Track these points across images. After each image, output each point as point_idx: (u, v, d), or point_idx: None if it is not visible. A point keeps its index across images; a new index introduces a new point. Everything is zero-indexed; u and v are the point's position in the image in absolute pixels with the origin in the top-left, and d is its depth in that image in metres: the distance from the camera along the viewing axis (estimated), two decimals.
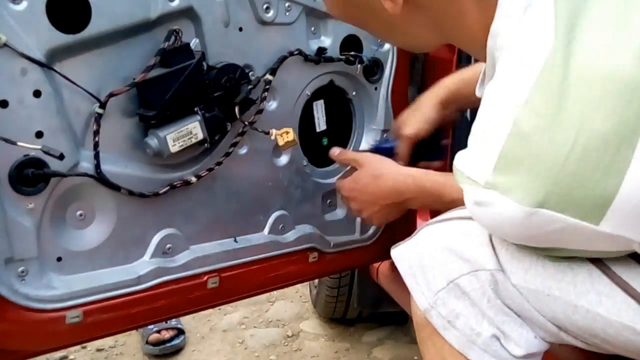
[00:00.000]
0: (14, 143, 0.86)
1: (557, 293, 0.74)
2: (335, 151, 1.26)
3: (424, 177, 1.12)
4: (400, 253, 0.90)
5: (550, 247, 0.71)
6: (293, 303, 2.41)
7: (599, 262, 0.73)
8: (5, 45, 0.85)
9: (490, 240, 0.80)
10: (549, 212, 0.62)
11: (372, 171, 1.16)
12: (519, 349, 0.79)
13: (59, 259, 0.99)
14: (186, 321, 2.20)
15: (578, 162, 0.60)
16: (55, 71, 0.92)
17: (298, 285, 2.45)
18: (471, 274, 0.79)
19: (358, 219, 1.40)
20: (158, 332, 2.04)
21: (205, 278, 1.14)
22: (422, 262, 0.85)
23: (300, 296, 2.44)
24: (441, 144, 1.35)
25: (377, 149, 1.28)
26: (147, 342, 2.04)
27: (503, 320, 0.79)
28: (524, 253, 0.77)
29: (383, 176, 1.15)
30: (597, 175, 0.60)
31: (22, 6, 0.86)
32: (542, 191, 0.61)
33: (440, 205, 1.07)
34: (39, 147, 0.88)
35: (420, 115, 1.26)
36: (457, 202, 0.81)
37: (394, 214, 1.21)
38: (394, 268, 1.62)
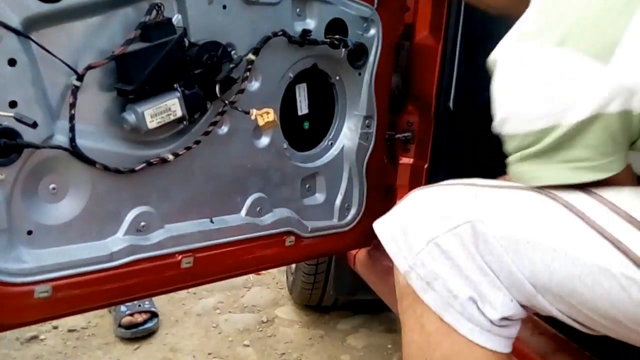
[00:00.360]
0: None
1: (536, 239, 0.75)
2: None
3: None
4: (382, 223, 0.90)
5: (552, 125, 0.75)
6: (269, 289, 2.41)
7: (576, 209, 0.75)
8: None
9: (474, 195, 0.81)
10: (566, 50, 0.72)
11: None
12: (495, 312, 0.79)
13: (30, 233, 0.96)
14: (160, 304, 2.19)
15: (597, 6, 0.72)
16: (32, 40, 0.89)
17: (274, 272, 2.45)
18: (451, 231, 0.80)
19: (337, 204, 1.40)
20: (131, 315, 2.03)
21: (179, 258, 1.13)
22: (404, 225, 0.85)
23: (277, 282, 2.44)
24: None
25: None
26: (119, 325, 2.02)
27: (480, 280, 0.79)
28: (505, 199, 0.79)
29: None
30: (610, 17, 0.70)
31: None
32: (565, 31, 0.73)
33: None
34: (12, 114, 0.86)
35: None
36: None
37: None
38: (371, 255, 1.63)
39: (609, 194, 0.76)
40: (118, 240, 1.06)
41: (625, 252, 0.70)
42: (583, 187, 0.77)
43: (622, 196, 0.75)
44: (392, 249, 0.86)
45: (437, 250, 0.80)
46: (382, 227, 0.90)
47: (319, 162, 1.36)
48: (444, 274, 0.80)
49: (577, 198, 0.76)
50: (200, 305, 2.27)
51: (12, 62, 0.88)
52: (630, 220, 0.72)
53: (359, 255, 1.66)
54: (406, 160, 1.55)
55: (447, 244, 0.80)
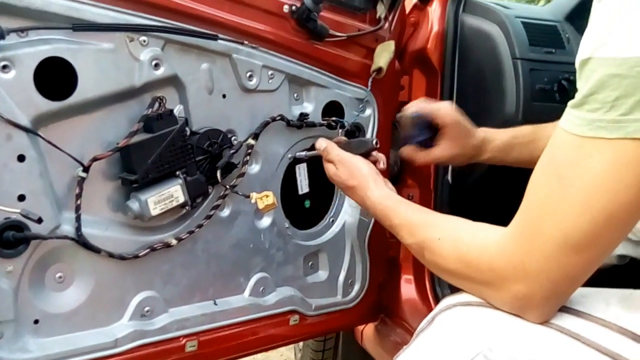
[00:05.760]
0: None
1: None
2: (321, 145, 1.23)
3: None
4: None
5: None
6: None
7: (569, 332, 0.76)
8: None
9: (484, 325, 0.82)
10: None
11: (345, 180, 1.17)
12: None
13: (36, 322, 0.98)
14: None
15: None
16: (40, 136, 0.93)
17: (283, 349, 2.42)
18: None
19: (340, 280, 1.41)
20: None
21: (183, 341, 1.14)
22: None
23: (285, 359, 2.41)
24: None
25: (416, 142, 1.31)
26: None
27: None
28: (507, 327, 0.79)
29: (354, 189, 1.16)
30: None
31: (10, 75, 0.89)
32: None
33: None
34: (18, 210, 0.89)
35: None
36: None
37: None
38: (378, 330, 1.62)
39: (595, 310, 0.78)
40: (123, 326, 1.07)
41: None
42: (574, 311, 0.79)
43: (609, 311, 0.77)
44: None
45: None
46: None
47: (321, 240, 1.38)
48: None
49: (570, 322, 0.78)
50: None
51: (21, 158, 0.92)
52: (623, 332, 0.73)
53: (366, 331, 1.65)
54: None
55: None
